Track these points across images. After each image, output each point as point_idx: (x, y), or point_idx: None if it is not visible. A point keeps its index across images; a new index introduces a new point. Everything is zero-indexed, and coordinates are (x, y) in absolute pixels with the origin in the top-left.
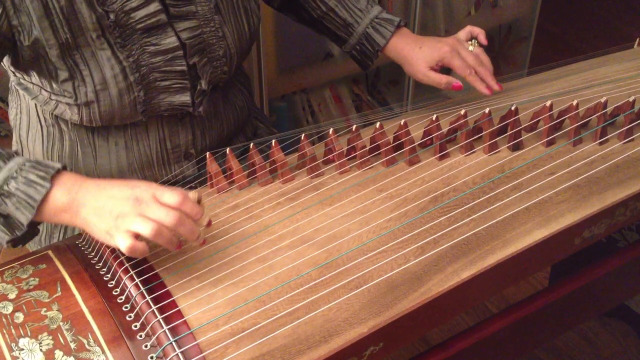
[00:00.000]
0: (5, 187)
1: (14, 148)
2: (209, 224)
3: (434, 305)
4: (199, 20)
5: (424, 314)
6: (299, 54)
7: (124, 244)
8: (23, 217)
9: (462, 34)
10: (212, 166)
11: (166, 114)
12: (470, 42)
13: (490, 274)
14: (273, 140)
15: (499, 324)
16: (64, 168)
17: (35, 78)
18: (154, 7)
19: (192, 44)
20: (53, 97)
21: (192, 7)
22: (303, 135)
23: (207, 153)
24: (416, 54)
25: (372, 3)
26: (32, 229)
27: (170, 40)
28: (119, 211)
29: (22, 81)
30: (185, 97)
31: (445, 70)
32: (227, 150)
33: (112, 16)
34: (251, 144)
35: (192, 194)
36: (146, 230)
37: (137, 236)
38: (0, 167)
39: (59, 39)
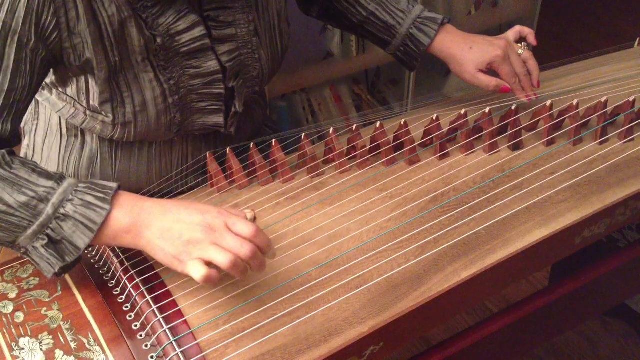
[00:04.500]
0: (62, 210)
1: (23, 151)
2: (274, 256)
3: (434, 305)
4: (237, 43)
5: (424, 314)
6: (299, 54)
7: (198, 272)
8: (80, 240)
9: (511, 34)
10: (212, 166)
11: (197, 133)
12: (520, 45)
13: (491, 273)
14: (273, 140)
15: (499, 324)
16: (119, 187)
17: (71, 91)
18: (198, 31)
19: (231, 67)
20: (88, 112)
21: (232, 29)
22: (303, 134)
23: (207, 153)
24: (466, 54)
25: (412, 3)
26: (81, 255)
27: (211, 64)
28: (189, 237)
29: (43, 92)
30: (219, 118)
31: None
32: (227, 150)
33: (159, 40)
34: (251, 144)
35: (250, 214)
36: (223, 260)
37: (208, 264)
38: (54, 189)
39: (109, 62)
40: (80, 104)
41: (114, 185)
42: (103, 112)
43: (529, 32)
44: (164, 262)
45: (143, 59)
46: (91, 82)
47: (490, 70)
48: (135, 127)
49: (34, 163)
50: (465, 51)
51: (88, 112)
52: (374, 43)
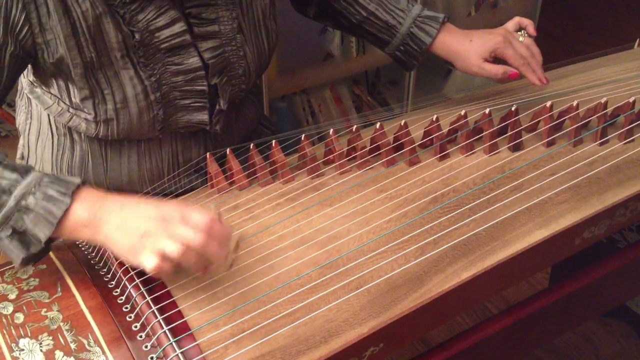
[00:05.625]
0: (24, 202)
1: (19, 151)
2: (237, 246)
3: (434, 306)
4: (221, 40)
5: (424, 315)
6: (299, 55)
7: (149, 263)
8: (41, 233)
9: (511, 24)
10: (212, 167)
11: (182, 131)
12: (520, 33)
13: (491, 274)
14: (273, 141)
15: (499, 325)
16: (84, 183)
17: (54, 89)
18: (178, 27)
19: (214, 64)
20: (71, 110)
21: (215, 26)
22: (303, 135)
23: (207, 154)
24: (468, 47)
25: (412, 2)
26: (47, 245)
27: (193, 61)
28: (144, 229)
29: (35, 89)
30: (204, 116)
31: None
32: (227, 150)
33: (137, 36)
34: (251, 144)
35: (214, 211)
36: (173, 250)
37: (163, 257)
38: (18, 182)
39: (84, 58)
40: (64, 102)
41: (77, 180)
42: (85, 109)
43: (528, 23)
44: (121, 255)
45: (122, 56)
46: (69, 79)
47: (496, 60)
48: (118, 124)
49: (1, 156)
50: (467, 45)
51: (71, 110)
52: (371, 43)
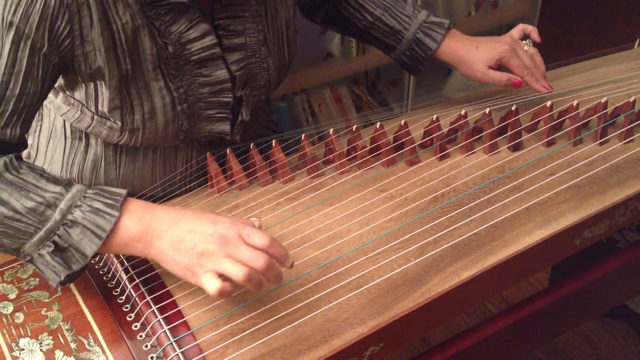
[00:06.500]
0: (70, 217)
1: (26, 151)
2: (292, 266)
3: (434, 306)
4: (246, 52)
5: (424, 314)
6: (299, 54)
7: (212, 286)
8: (88, 248)
9: (516, 32)
10: (212, 166)
11: (202, 140)
12: (525, 42)
13: (491, 274)
14: (273, 141)
15: (499, 325)
16: (128, 194)
17: (79, 95)
18: (209, 40)
19: (240, 76)
20: (96, 118)
21: (242, 38)
22: (303, 135)
23: (207, 153)
24: (473, 54)
25: (418, 8)
26: (88, 263)
27: (221, 73)
28: (202, 248)
29: (49, 94)
30: (225, 126)
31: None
32: (228, 150)
33: (170, 48)
34: (251, 144)
35: (257, 222)
36: (238, 273)
37: (222, 276)
38: (62, 195)
39: (120, 70)
40: (88, 109)
41: (123, 192)
42: (112, 119)
43: (532, 29)
44: (175, 272)
45: (154, 67)
46: (101, 88)
47: (500, 67)
48: (143, 133)
49: (41, 169)
50: (472, 51)
51: (95, 117)
52: (378, 48)
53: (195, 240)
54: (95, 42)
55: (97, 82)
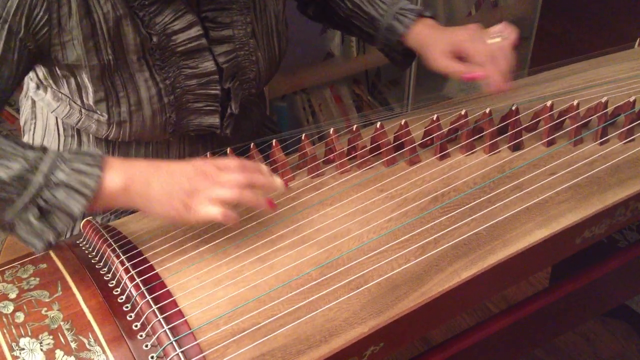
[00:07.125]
0: (53, 178)
1: None
2: (269, 174)
3: (434, 305)
4: (234, 44)
5: (425, 314)
6: (299, 54)
7: (215, 212)
8: (75, 207)
9: (494, 27)
10: None
11: (192, 134)
12: (495, 37)
13: (491, 274)
14: (273, 140)
15: (500, 324)
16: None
17: (65, 89)
18: (195, 30)
19: (227, 69)
20: (83, 111)
21: (229, 30)
22: (303, 135)
23: (208, 153)
24: (434, 40)
25: None
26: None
27: (208, 64)
28: (190, 186)
29: (39, 92)
30: (214, 119)
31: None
32: (228, 150)
33: (155, 39)
34: (251, 144)
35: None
36: (231, 194)
37: (223, 204)
38: (41, 158)
39: (101, 60)
40: (75, 102)
41: (99, 152)
42: (98, 111)
43: (511, 30)
44: (167, 216)
45: (138, 58)
46: (82, 81)
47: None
48: (131, 126)
49: (14, 137)
50: (434, 36)
51: (83, 111)
52: (362, 39)
53: (181, 181)
54: (74, 32)
55: (76, 73)
